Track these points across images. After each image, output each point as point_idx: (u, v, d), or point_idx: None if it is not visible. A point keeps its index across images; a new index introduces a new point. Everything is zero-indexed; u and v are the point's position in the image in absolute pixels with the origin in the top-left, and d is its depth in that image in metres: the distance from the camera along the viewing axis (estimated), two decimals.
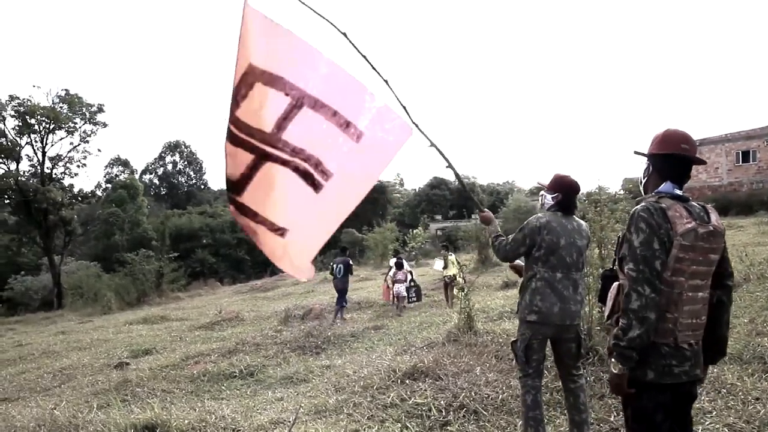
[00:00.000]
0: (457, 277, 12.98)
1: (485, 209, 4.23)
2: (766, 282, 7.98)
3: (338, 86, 2.92)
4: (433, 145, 3.54)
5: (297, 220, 3.06)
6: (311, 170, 2.96)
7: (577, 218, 4.11)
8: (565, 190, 4.04)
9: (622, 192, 9.88)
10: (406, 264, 14.55)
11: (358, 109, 2.96)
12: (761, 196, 32.42)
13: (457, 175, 3.88)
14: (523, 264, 4.11)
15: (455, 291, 12.44)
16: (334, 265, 13.63)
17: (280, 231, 3.03)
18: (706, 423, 4.07)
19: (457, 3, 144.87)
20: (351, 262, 14.15)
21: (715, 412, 4.24)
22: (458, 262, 13.70)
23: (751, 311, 6.76)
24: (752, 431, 3.94)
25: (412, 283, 14.12)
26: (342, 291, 13.42)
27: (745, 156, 37.78)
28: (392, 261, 14.87)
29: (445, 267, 13.55)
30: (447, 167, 3.77)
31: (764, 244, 13.15)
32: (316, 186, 2.98)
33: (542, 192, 4.18)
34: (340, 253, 14.79)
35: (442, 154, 3.64)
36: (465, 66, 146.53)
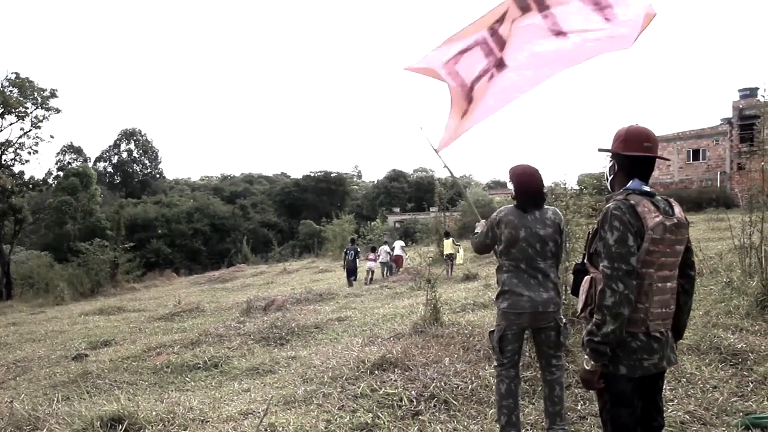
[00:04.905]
0: (456, 254, 17.27)
1: (480, 219, 4.41)
2: (719, 276, 8.25)
3: None
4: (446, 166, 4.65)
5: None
6: None
7: (544, 207, 4.00)
8: (517, 185, 3.99)
9: (578, 187, 10.07)
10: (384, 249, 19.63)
11: None
12: (710, 193, 33.55)
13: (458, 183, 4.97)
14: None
15: (457, 261, 17.32)
16: (347, 252, 18.51)
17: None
18: (669, 411, 4.22)
19: None
20: (359, 249, 19.58)
21: (676, 400, 4.41)
22: (455, 243, 17.70)
23: (706, 304, 7.00)
24: (711, 417, 4.12)
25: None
26: (353, 270, 18.19)
27: (696, 154, 39.06)
28: (384, 247, 19.88)
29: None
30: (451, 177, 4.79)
31: (714, 240, 13.60)
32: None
33: None
34: (351, 243, 20.31)
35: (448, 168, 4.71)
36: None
